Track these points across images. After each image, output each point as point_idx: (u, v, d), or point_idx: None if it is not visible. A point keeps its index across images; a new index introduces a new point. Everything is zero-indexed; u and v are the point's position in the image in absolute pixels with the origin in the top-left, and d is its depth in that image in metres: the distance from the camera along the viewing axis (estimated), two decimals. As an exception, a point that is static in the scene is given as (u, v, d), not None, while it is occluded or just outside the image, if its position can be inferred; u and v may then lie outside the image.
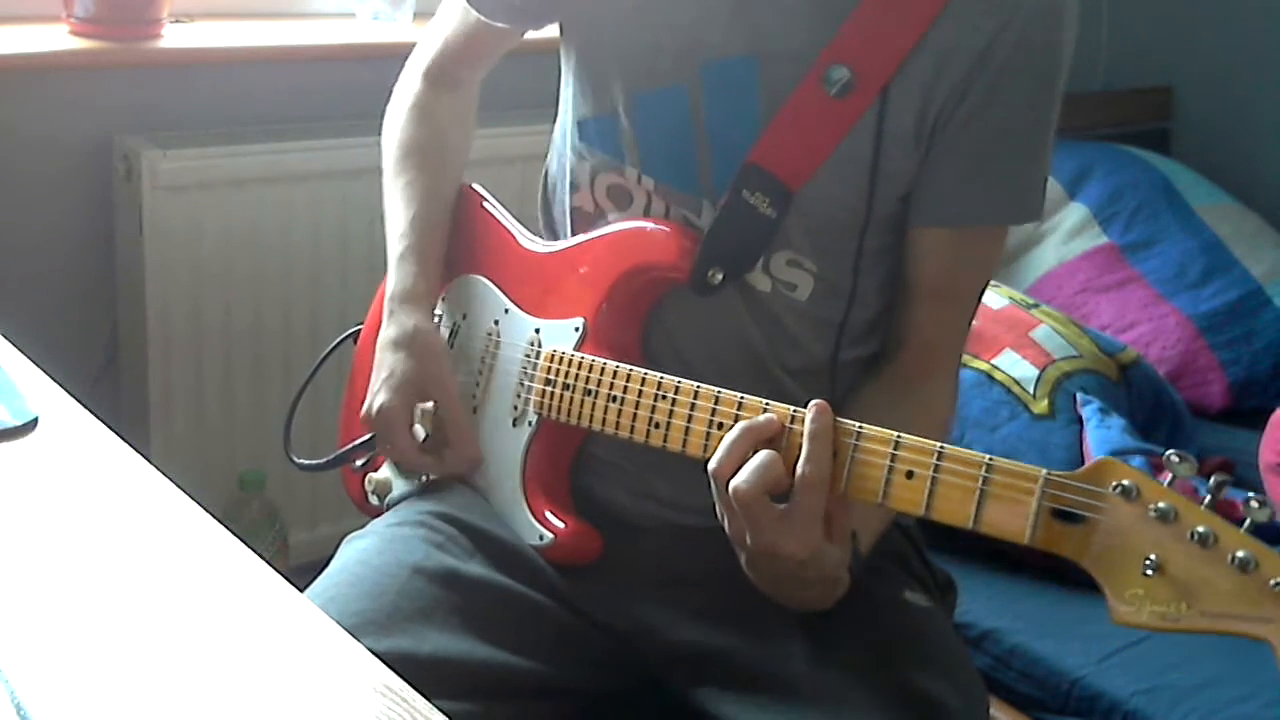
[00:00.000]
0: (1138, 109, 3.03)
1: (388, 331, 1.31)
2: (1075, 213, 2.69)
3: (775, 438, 1.07)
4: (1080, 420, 2.12)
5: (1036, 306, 2.35)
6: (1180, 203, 2.71)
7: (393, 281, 1.34)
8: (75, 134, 2.13)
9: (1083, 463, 2.07)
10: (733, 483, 1.05)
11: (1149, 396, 2.30)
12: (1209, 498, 0.92)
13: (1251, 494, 0.90)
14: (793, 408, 1.08)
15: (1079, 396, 2.15)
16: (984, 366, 2.17)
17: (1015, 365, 2.19)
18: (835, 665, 1.17)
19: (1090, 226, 2.67)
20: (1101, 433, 2.08)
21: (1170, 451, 0.94)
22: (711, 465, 1.07)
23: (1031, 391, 2.15)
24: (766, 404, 1.09)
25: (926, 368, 1.26)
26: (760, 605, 1.14)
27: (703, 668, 1.22)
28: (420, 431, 1.29)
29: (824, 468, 1.04)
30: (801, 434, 1.05)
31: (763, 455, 1.05)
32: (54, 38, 2.06)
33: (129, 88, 2.14)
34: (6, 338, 1.30)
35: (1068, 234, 2.66)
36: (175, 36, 2.13)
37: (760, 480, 1.04)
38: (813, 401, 1.06)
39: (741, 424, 1.07)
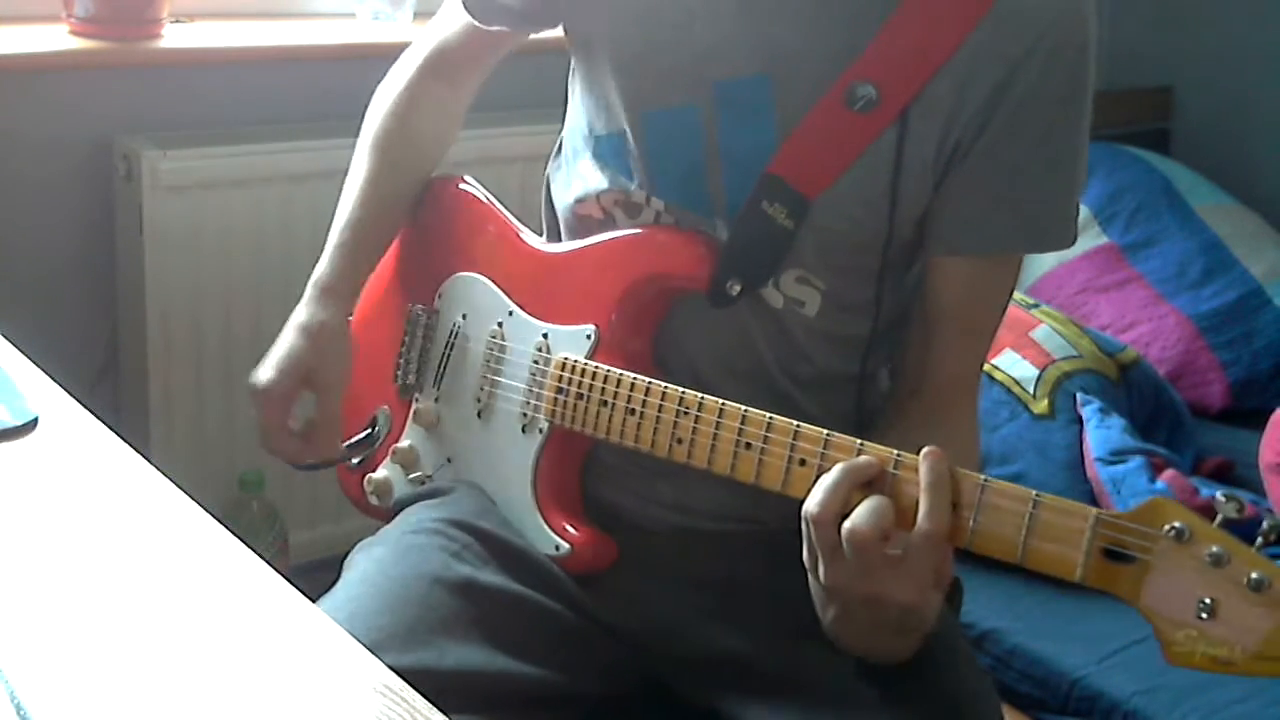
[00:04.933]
0: (1138, 109, 3.03)
1: (299, 314, 1.34)
2: (1075, 213, 2.69)
3: (875, 480, 1.04)
4: (1080, 420, 2.12)
5: (1036, 306, 2.35)
6: (1180, 203, 2.71)
7: (321, 268, 1.37)
8: (75, 134, 2.12)
9: (1082, 463, 2.08)
10: (848, 526, 1.01)
11: (1149, 396, 2.30)
12: (1260, 541, 0.92)
13: None
14: (897, 452, 1.04)
15: (1079, 396, 2.15)
16: (984, 366, 2.17)
17: (1015, 365, 2.19)
18: (848, 667, 1.16)
19: (1090, 226, 2.66)
20: (1101, 433, 2.08)
21: (1219, 492, 0.94)
22: (810, 508, 1.03)
23: (1031, 391, 2.15)
24: (797, 426, 1.07)
25: (951, 404, 1.23)
26: (771, 608, 1.13)
27: (715, 671, 1.21)
28: (299, 419, 1.32)
29: (946, 520, 1.01)
30: (904, 480, 1.02)
31: (876, 499, 1.02)
32: (54, 38, 2.06)
33: (129, 88, 2.14)
34: (6, 338, 1.30)
35: (1068, 234, 2.66)
36: (175, 36, 2.13)
37: (877, 525, 1.00)
38: (926, 449, 1.02)
39: (840, 466, 1.04)
